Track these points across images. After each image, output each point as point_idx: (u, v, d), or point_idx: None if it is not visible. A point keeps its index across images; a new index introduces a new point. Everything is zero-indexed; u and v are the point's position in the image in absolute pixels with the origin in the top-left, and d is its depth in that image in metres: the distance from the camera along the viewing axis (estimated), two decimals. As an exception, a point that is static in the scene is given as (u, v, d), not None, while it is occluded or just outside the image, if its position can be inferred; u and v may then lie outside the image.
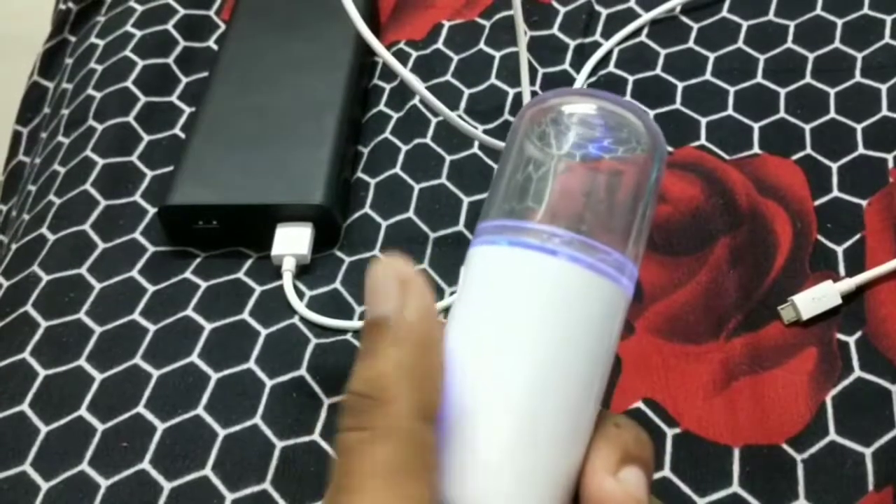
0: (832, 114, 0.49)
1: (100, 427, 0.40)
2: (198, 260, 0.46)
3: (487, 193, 0.27)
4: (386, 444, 0.22)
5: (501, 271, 0.25)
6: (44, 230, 0.47)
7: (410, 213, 0.47)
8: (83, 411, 0.40)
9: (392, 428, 0.22)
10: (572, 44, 0.54)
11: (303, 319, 0.43)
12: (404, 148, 0.49)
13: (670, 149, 0.48)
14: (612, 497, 0.23)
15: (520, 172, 0.26)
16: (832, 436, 0.38)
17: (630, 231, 0.26)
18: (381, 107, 0.52)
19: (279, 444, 0.39)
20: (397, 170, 0.49)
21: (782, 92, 0.50)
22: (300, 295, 0.44)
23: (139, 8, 0.57)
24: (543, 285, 0.24)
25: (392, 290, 0.23)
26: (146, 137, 0.51)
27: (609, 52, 0.53)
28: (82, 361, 0.42)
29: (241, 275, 0.45)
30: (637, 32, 0.54)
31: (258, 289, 0.44)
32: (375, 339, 0.23)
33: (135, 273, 0.45)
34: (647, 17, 0.54)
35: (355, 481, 0.22)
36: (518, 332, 0.24)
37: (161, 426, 0.40)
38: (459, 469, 0.23)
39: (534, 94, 0.51)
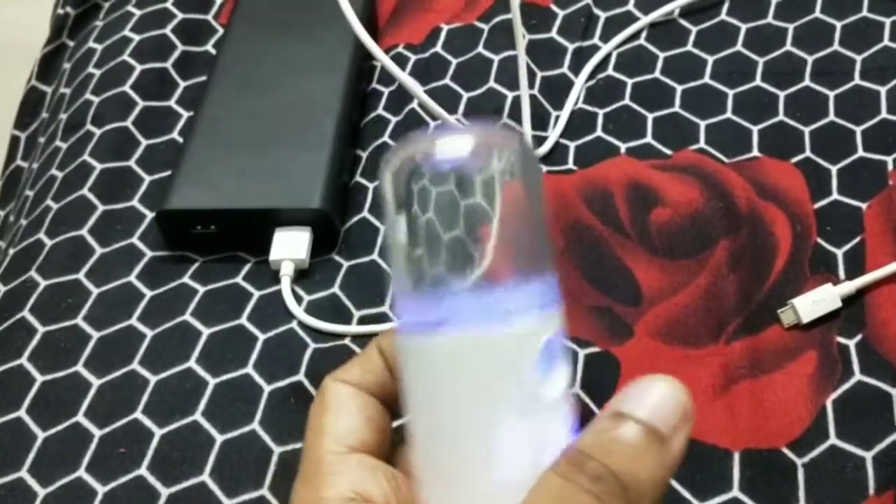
0: (831, 116, 0.48)
1: (97, 433, 0.40)
2: (196, 265, 0.46)
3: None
4: None
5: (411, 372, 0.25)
6: (41, 235, 0.47)
7: (409, 217, 0.47)
8: (80, 417, 0.40)
9: None
10: (571, 47, 0.54)
11: (301, 324, 0.43)
12: (403, 152, 0.49)
13: (669, 151, 0.48)
14: None
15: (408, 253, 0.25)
16: (832, 439, 0.38)
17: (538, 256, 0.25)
18: (380, 110, 0.52)
19: (277, 450, 0.39)
20: (396, 174, 0.48)
21: (781, 95, 0.50)
22: (298, 299, 0.44)
23: (137, 12, 0.57)
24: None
25: (679, 417, 0.26)
26: (144, 142, 0.51)
27: (608, 56, 0.53)
28: (80, 367, 0.42)
29: (239, 279, 0.45)
30: (636, 35, 0.54)
31: (256, 293, 0.44)
32: (650, 445, 0.24)
33: (132, 278, 0.45)
34: (645, 20, 0.54)
35: None
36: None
37: (159, 432, 0.39)
38: None
39: (532, 97, 0.51)
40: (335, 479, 0.27)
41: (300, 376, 0.41)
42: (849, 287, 0.41)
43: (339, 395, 0.29)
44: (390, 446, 0.30)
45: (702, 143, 0.48)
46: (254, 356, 0.42)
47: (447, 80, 0.53)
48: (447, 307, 0.24)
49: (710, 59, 0.52)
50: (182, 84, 0.54)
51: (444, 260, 0.24)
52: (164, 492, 0.38)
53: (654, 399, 0.25)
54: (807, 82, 0.50)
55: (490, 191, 0.24)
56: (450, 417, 0.25)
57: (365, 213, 0.47)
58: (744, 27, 0.53)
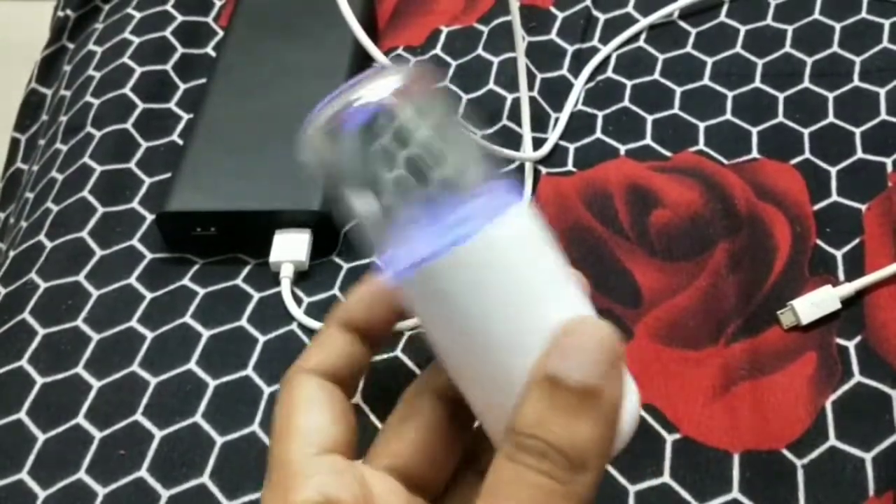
0: (831, 118, 0.48)
1: (97, 435, 0.40)
2: (196, 267, 0.46)
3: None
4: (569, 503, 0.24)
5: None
6: (41, 237, 0.47)
7: (409, 219, 0.47)
8: (81, 419, 0.40)
9: (578, 495, 0.24)
10: (570, 49, 0.54)
11: (301, 326, 0.43)
12: (402, 154, 0.49)
13: (669, 153, 0.48)
14: None
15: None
16: (832, 441, 0.38)
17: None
18: (380, 113, 0.52)
19: (277, 452, 0.39)
20: (395, 176, 0.48)
21: (781, 96, 0.50)
22: (298, 301, 0.44)
23: (137, 15, 0.57)
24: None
25: (605, 363, 0.25)
26: (144, 144, 0.51)
27: (607, 57, 0.53)
28: (80, 369, 0.42)
29: (239, 281, 0.45)
30: (635, 37, 0.54)
31: (256, 295, 0.44)
32: (583, 404, 0.24)
33: (133, 280, 0.45)
34: (644, 22, 0.54)
35: None
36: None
37: (159, 434, 0.39)
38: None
39: (532, 99, 0.51)
40: (304, 483, 0.26)
41: (300, 378, 0.41)
42: (848, 288, 0.41)
43: (306, 389, 0.29)
44: (357, 441, 0.29)
45: (701, 145, 0.48)
46: (254, 358, 0.42)
47: (447, 82, 0.53)
48: (432, 233, 0.26)
49: (710, 61, 0.52)
50: (182, 86, 0.54)
51: (408, 195, 0.26)
52: (165, 493, 0.38)
53: (580, 352, 0.25)
54: (806, 84, 0.50)
55: (410, 125, 0.26)
56: (482, 321, 0.26)
57: (365, 215, 0.47)
58: (743, 29, 0.53)
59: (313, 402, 0.28)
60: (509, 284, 0.26)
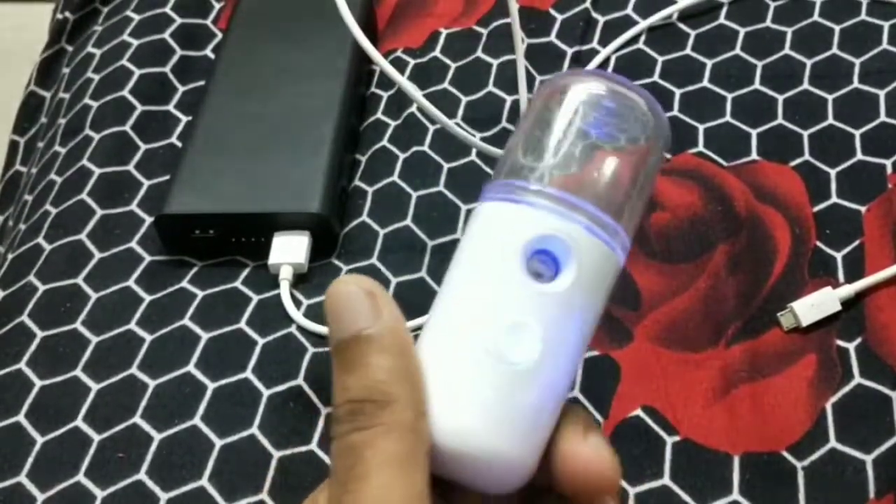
0: (830, 120, 0.48)
1: (96, 438, 0.40)
2: (194, 269, 0.46)
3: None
4: (393, 438, 0.23)
5: (480, 223, 0.27)
6: (40, 240, 0.47)
7: (408, 221, 0.47)
8: (79, 422, 0.40)
9: (397, 423, 0.24)
10: (570, 51, 0.54)
11: (300, 328, 0.43)
12: (402, 156, 0.49)
13: (668, 156, 0.48)
14: (588, 457, 0.25)
15: (531, 134, 0.28)
16: (832, 443, 0.38)
17: (623, 205, 0.27)
18: (379, 115, 0.52)
19: (276, 454, 0.39)
20: (395, 178, 0.48)
21: (780, 98, 0.50)
22: (297, 304, 0.44)
23: (136, 17, 0.57)
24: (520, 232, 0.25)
25: (364, 303, 0.25)
26: (143, 146, 0.51)
27: (606, 59, 0.53)
28: (78, 372, 0.42)
29: (238, 284, 0.45)
30: (634, 39, 0.54)
31: (255, 298, 0.44)
32: (359, 351, 0.25)
33: (131, 283, 0.45)
34: (644, 24, 0.54)
35: (364, 471, 0.23)
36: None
37: (157, 436, 0.39)
38: (448, 410, 0.25)
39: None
40: None
41: (299, 380, 0.41)
42: (848, 290, 0.41)
43: None
44: None
45: (700, 147, 0.48)
46: (253, 360, 0.42)
47: (446, 85, 0.53)
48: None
49: (709, 63, 0.52)
50: (181, 88, 0.54)
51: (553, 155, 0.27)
52: (164, 496, 0.38)
53: (329, 316, 0.25)
54: (805, 86, 0.50)
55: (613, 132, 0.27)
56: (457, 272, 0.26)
57: (364, 217, 0.47)
58: (742, 31, 0.53)
59: None
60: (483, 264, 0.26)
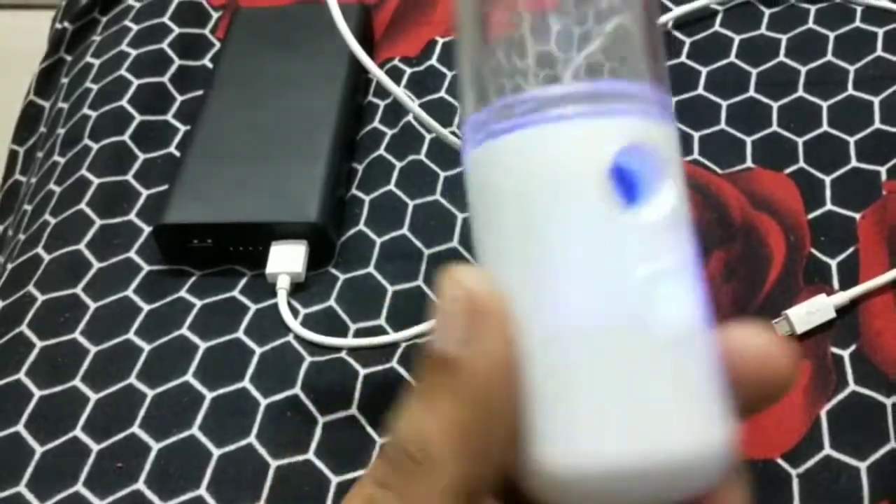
0: (825, 127, 0.49)
1: (95, 447, 0.40)
2: (193, 278, 0.46)
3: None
4: None
5: (490, 174, 0.21)
6: (39, 250, 0.47)
7: (405, 230, 0.47)
8: (78, 432, 0.40)
9: (418, 495, 0.19)
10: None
11: (297, 338, 0.43)
12: (399, 165, 0.50)
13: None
14: (764, 351, 0.21)
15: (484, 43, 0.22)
16: (827, 450, 0.38)
17: (665, 69, 0.21)
18: (376, 123, 0.52)
19: (273, 464, 0.39)
20: (392, 186, 0.49)
21: (775, 105, 0.50)
22: (295, 313, 0.44)
23: (134, 27, 0.57)
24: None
25: (460, 322, 0.19)
26: (141, 156, 0.51)
27: (602, 67, 0.53)
28: (77, 382, 0.42)
29: (235, 293, 0.45)
30: (630, 47, 0.54)
31: (253, 307, 0.44)
32: (435, 381, 0.19)
33: (130, 292, 0.45)
34: (639, 31, 0.54)
35: None
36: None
37: (156, 446, 0.40)
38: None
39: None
40: None
41: (297, 390, 0.41)
42: (843, 297, 0.41)
43: None
44: None
45: (695, 155, 0.48)
46: (250, 370, 0.42)
47: (443, 93, 0.53)
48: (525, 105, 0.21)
49: (704, 71, 0.52)
50: (179, 98, 0.54)
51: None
52: (162, 506, 0.38)
53: (438, 318, 0.19)
54: (800, 93, 0.50)
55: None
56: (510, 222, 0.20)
57: (361, 226, 0.47)
58: (737, 38, 0.54)
59: None
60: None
